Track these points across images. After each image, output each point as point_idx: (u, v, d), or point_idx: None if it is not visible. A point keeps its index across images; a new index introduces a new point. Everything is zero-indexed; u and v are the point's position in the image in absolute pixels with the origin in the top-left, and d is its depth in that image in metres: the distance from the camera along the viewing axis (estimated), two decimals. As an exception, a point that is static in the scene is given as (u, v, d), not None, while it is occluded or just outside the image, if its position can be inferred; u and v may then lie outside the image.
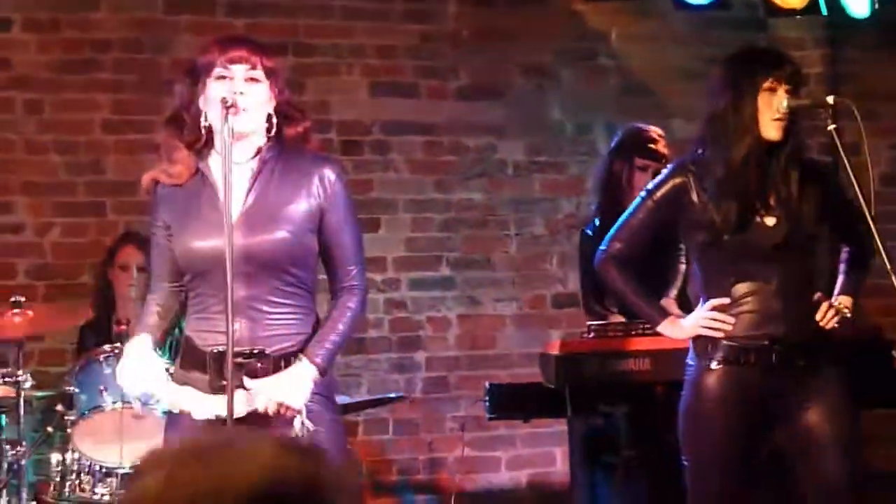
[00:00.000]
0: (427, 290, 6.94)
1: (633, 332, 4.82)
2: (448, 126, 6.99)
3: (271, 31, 6.51)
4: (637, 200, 4.26)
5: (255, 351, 3.59)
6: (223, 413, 3.47)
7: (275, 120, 3.66)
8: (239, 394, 3.50)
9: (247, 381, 3.53)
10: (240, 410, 3.51)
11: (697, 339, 4.12)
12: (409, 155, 6.95)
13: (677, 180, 4.16)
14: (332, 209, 3.68)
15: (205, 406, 3.57)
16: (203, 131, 3.63)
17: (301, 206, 3.65)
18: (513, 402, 5.42)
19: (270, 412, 3.53)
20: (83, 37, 6.56)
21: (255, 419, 3.53)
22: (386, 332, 6.85)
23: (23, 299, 5.18)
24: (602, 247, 4.28)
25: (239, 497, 1.57)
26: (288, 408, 3.54)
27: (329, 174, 3.69)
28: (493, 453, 6.91)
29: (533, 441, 6.88)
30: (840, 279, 4.28)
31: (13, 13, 6.48)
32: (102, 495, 5.19)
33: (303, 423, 3.56)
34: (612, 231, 4.29)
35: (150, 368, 3.62)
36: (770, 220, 4.08)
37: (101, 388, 5.15)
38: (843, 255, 4.30)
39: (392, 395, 6.04)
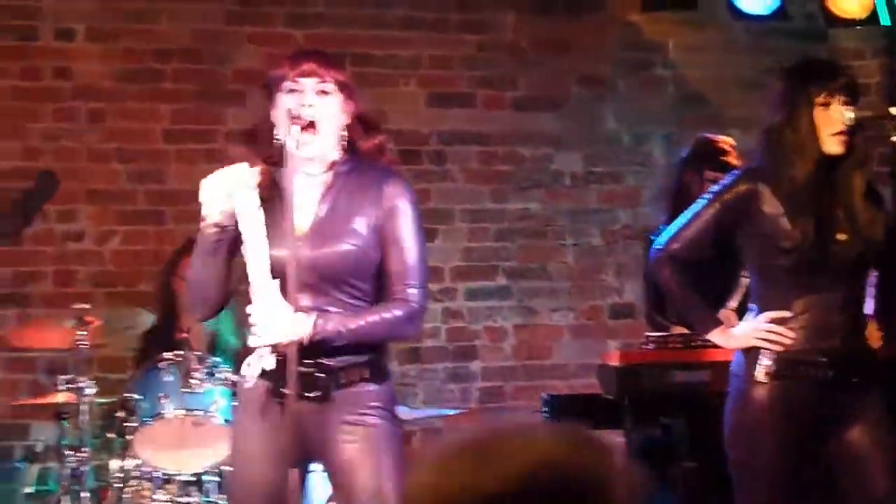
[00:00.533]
0: (483, 300, 6.95)
1: (693, 344, 4.79)
2: (504, 136, 7.00)
3: (330, 41, 6.53)
4: (702, 202, 4.20)
5: (316, 362, 3.61)
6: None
7: (346, 134, 3.67)
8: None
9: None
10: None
11: (748, 350, 4.08)
12: (465, 165, 6.97)
13: (747, 186, 4.08)
14: (391, 223, 3.67)
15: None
16: (278, 146, 3.65)
17: (366, 220, 3.65)
18: (571, 413, 5.39)
19: (267, 342, 3.53)
20: (145, 47, 6.64)
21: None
22: (442, 342, 6.86)
23: (87, 306, 5.22)
24: (659, 245, 4.21)
25: (518, 490, 1.54)
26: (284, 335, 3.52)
27: (393, 188, 3.68)
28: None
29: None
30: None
31: (77, 23, 6.57)
32: (162, 501, 5.21)
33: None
34: (670, 230, 4.23)
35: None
36: (842, 236, 4.03)
37: (163, 395, 5.17)
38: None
39: (450, 411, 6.03)
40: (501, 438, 1.61)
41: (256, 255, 3.56)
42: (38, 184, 4.62)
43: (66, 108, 6.54)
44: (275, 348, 3.54)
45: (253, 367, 3.60)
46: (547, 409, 5.38)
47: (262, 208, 3.59)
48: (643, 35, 7.15)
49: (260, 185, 3.65)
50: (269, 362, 3.56)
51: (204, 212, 3.61)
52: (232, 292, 3.77)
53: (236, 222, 3.61)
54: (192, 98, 6.66)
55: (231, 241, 3.65)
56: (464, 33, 6.97)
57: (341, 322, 3.57)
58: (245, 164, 3.58)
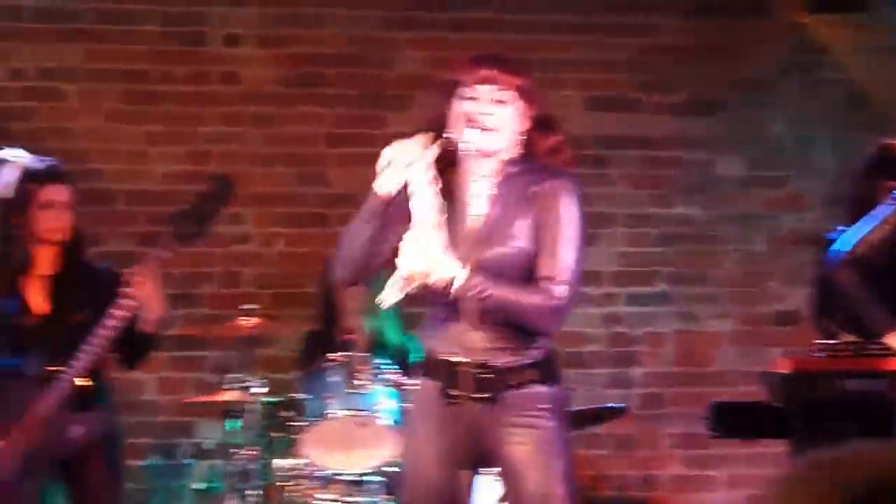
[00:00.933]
0: (643, 306, 6.90)
1: (866, 352, 4.69)
2: (666, 140, 6.94)
3: (490, 46, 6.50)
4: (889, 207, 4.10)
5: (483, 362, 3.61)
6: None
7: (522, 138, 3.66)
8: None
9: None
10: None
11: None
12: (625, 169, 6.93)
13: None
14: (546, 217, 3.62)
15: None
16: (452, 148, 3.65)
17: (529, 220, 3.63)
18: (737, 421, 5.32)
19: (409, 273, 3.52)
20: (309, 52, 6.73)
21: None
22: (603, 347, 6.82)
23: (255, 307, 5.30)
24: (841, 248, 4.14)
25: None
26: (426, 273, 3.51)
27: (555, 185, 3.64)
28: (709, 472, 6.82)
29: (751, 461, 6.76)
30: None
31: (243, 30, 6.70)
32: (327, 501, 5.26)
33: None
34: (854, 233, 4.15)
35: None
36: None
37: (329, 395, 5.23)
38: None
39: (613, 405, 5.99)
40: (843, 461, 1.60)
41: (425, 223, 3.54)
42: (214, 188, 4.68)
43: (233, 113, 6.67)
44: (410, 280, 3.52)
45: (387, 294, 3.59)
46: (712, 415, 5.30)
47: (436, 184, 3.59)
48: (808, 37, 7.03)
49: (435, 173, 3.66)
50: (396, 292, 3.54)
51: (378, 180, 3.59)
52: (378, 266, 3.73)
53: (404, 196, 3.60)
54: (355, 102, 6.73)
55: (393, 212, 3.63)
56: (625, 36, 6.92)
57: (489, 283, 3.52)
58: (427, 136, 3.58)
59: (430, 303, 3.73)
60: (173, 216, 4.62)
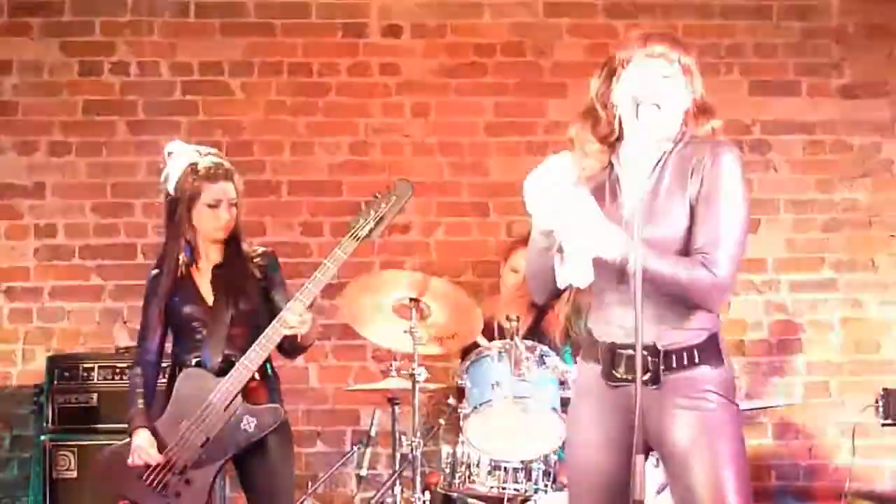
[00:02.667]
0: (808, 293, 6.82)
1: None
2: (831, 125, 6.85)
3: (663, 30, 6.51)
4: None
5: (648, 345, 3.59)
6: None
7: (684, 118, 3.65)
8: None
9: None
10: None
11: None
12: (789, 154, 6.85)
13: None
14: (708, 189, 3.53)
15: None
16: (616, 126, 3.65)
17: (689, 196, 3.58)
18: (909, 410, 5.26)
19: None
20: (468, 41, 6.78)
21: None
22: (765, 335, 6.77)
23: (415, 296, 5.34)
24: None
25: None
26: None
27: (719, 153, 3.54)
28: (878, 462, 6.72)
29: (923, 452, 6.68)
30: None
31: (403, 20, 6.78)
32: (491, 487, 5.25)
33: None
34: None
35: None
36: None
37: (493, 382, 5.22)
38: None
39: (781, 403, 5.95)
40: None
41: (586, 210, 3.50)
42: (395, 191, 4.77)
43: (393, 104, 6.76)
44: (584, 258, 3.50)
45: (563, 276, 3.61)
46: (883, 403, 5.25)
47: (591, 193, 3.55)
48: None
49: (593, 168, 3.67)
50: (582, 274, 3.53)
51: (534, 217, 3.55)
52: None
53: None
54: (514, 91, 6.77)
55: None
56: (787, 20, 6.85)
57: (651, 255, 3.44)
58: (564, 155, 3.58)
59: (594, 285, 3.73)
60: (356, 217, 4.71)
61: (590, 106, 3.70)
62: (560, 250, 3.61)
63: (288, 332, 4.62)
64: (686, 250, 3.54)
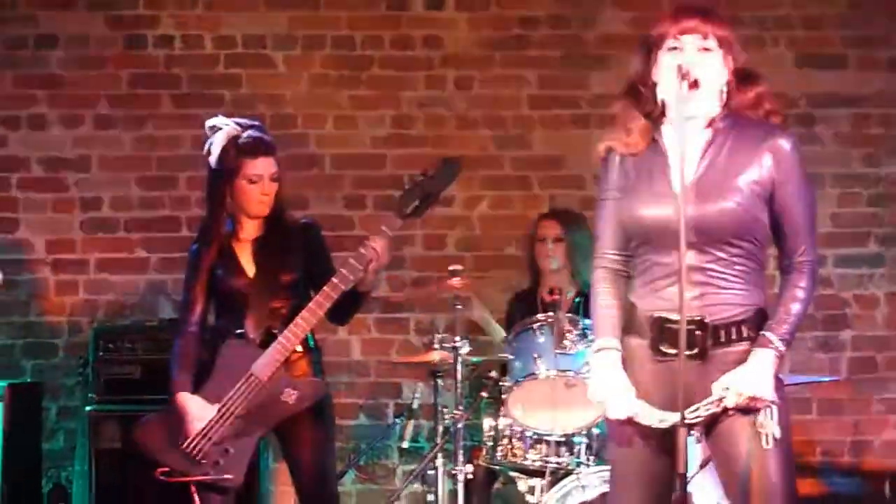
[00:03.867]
0: (854, 268, 6.78)
1: None
2: (878, 98, 6.80)
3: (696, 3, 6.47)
4: None
5: (696, 319, 3.60)
6: (674, 421, 3.48)
7: (726, 90, 3.64)
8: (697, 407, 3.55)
9: (716, 385, 3.54)
10: (699, 414, 3.55)
11: None
12: (836, 128, 6.80)
13: None
14: (784, 182, 3.60)
15: (657, 416, 3.59)
16: (658, 102, 3.65)
17: (752, 177, 3.60)
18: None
19: (740, 405, 3.54)
20: (512, 13, 6.77)
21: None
22: (811, 310, 6.69)
23: (460, 268, 5.34)
24: None
25: None
26: (759, 399, 3.53)
27: (784, 145, 3.60)
28: (924, 437, 6.70)
29: (966, 427, 6.63)
30: None
31: (447, -8, 6.78)
32: (534, 461, 5.25)
33: (770, 414, 3.54)
34: None
35: (616, 382, 3.63)
36: None
37: (535, 355, 5.21)
38: None
39: (825, 378, 5.91)
40: None
41: None
42: (443, 168, 4.76)
43: (436, 77, 6.76)
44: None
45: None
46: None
47: (637, 169, 3.64)
48: None
49: (639, 144, 3.68)
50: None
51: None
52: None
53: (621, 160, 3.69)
54: (557, 64, 6.75)
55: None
56: (835, -9, 6.82)
57: (779, 330, 3.57)
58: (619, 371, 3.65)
59: (640, 259, 3.73)
60: (402, 195, 4.70)
61: (631, 83, 3.71)
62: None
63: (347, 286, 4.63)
64: (741, 227, 3.57)
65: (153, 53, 6.72)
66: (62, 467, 6.42)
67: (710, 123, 3.65)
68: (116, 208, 6.71)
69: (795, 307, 3.61)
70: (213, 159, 4.77)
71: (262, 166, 4.75)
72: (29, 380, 6.53)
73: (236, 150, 4.74)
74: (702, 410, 3.57)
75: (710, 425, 3.65)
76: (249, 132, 4.79)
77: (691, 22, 3.60)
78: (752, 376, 3.54)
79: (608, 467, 3.88)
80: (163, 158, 6.70)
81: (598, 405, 3.71)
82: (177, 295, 5.21)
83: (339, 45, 6.74)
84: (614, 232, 3.77)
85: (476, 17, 6.75)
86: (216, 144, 4.76)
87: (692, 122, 3.60)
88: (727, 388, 3.54)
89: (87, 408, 5.82)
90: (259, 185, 4.75)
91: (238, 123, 4.82)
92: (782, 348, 3.56)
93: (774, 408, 3.56)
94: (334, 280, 4.63)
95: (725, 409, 3.57)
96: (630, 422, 3.65)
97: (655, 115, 3.67)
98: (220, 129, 4.79)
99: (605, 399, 3.66)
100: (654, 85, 3.64)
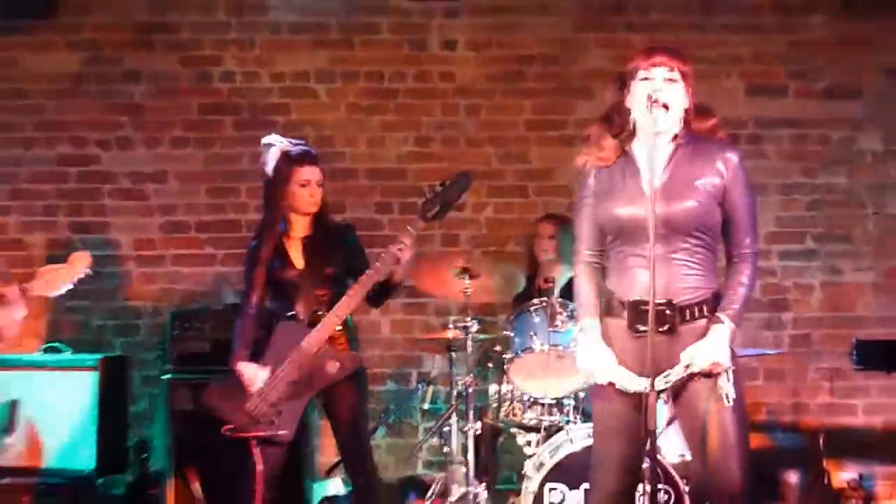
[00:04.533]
0: (793, 261, 6.75)
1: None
2: (814, 121, 6.77)
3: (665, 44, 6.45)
4: None
5: (666, 300, 3.60)
6: (651, 387, 3.49)
7: (686, 116, 3.66)
8: (669, 373, 3.56)
9: (683, 354, 3.56)
10: (670, 380, 3.58)
11: None
12: (778, 146, 6.78)
13: None
14: (733, 187, 3.65)
15: (636, 382, 3.59)
16: (630, 125, 3.67)
17: (708, 182, 3.63)
18: (879, 357, 5.19)
19: (704, 370, 3.54)
20: (511, 53, 6.75)
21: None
22: (758, 295, 6.68)
23: (468, 266, 5.33)
24: None
25: None
26: (718, 364, 3.54)
27: (732, 157, 3.67)
28: (850, 401, 6.66)
29: (887, 392, 6.59)
30: None
31: (458, 36, 6.76)
32: (530, 419, 5.26)
33: (728, 377, 3.54)
34: None
35: (600, 354, 3.66)
36: None
37: (532, 333, 5.21)
38: None
39: (770, 351, 5.89)
40: None
41: None
42: (458, 180, 4.75)
43: (449, 105, 6.74)
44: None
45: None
46: (857, 352, 5.19)
47: (611, 178, 3.67)
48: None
49: (610, 158, 3.70)
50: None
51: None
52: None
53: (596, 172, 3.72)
54: (549, 94, 6.73)
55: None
56: (777, 33, 6.76)
57: (731, 308, 3.60)
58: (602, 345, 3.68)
59: (615, 252, 3.72)
60: (424, 201, 4.70)
61: (608, 112, 3.75)
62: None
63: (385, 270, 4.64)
64: (701, 223, 3.61)
65: (218, 86, 6.73)
66: (144, 426, 6.43)
67: (674, 139, 3.68)
68: (188, 213, 6.72)
69: (742, 290, 3.64)
70: (268, 169, 4.78)
71: (310, 173, 4.76)
72: (118, 354, 6.54)
73: (288, 161, 4.75)
74: (672, 376, 3.58)
75: (676, 390, 3.66)
76: (298, 146, 4.81)
77: (660, 57, 3.64)
78: (712, 347, 3.55)
79: (592, 424, 3.87)
80: (226, 172, 6.70)
81: (584, 373, 3.71)
82: (238, 284, 5.22)
83: (371, 79, 6.73)
84: (590, 232, 3.79)
85: (482, 56, 6.74)
86: (271, 157, 4.78)
87: (659, 138, 3.62)
88: (693, 357, 3.55)
89: (165, 377, 5.83)
90: (308, 188, 4.76)
91: (289, 141, 4.83)
92: (734, 324, 3.58)
93: (731, 372, 3.57)
94: (369, 272, 4.65)
95: (691, 375, 3.58)
96: (611, 386, 3.66)
97: (624, 136, 3.70)
98: (274, 145, 4.80)
99: (591, 368, 3.67)
100: (628, 111, 3.67)
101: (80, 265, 4.20)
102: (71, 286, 4.20)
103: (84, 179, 6.69)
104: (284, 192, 4.75)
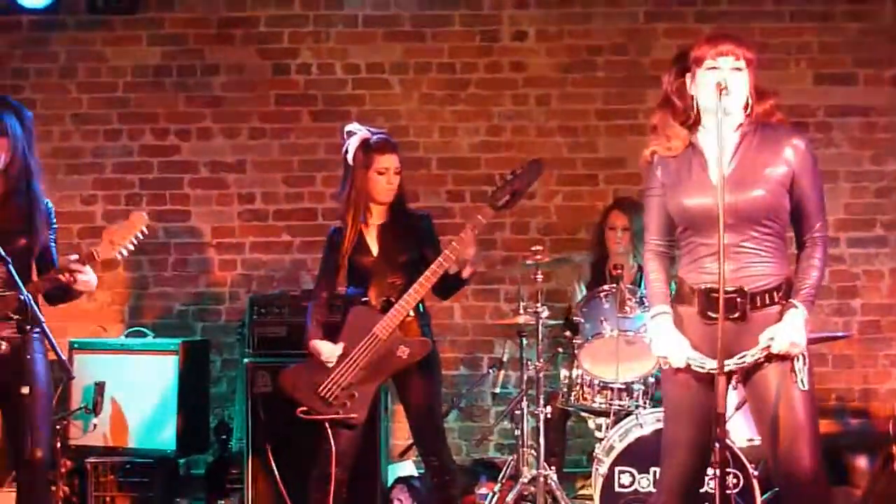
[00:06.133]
0: (863, 248, 6.65)
1: None
2: (884, 109, 6.64)
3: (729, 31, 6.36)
4: None
5: (737, 288, 3.55)
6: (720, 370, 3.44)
7: (751, 100, 3.60)
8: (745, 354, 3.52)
9: (762, 336, 3.51)
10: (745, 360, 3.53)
11: None
12: (848, 133, 6.66)
13: None
14: (802, 173, 3.59)
15: (712, 363, 3.55)
16: (694, 112, 3.62)
17: (776, 170, 3.58)
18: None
19: (782, 352, 3.49)
20: (581, 43, 6.70)
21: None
22: (827, 283, 6.58)
23: (541, 248, 5.30)
24: None
25: None
26: (796, 345, 3.49)
27: (800, 144, 3.61)
28: (920, 387, 6.56)
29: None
30: None
31: (529, 27, 6.71)
32: (600, 404, 5.25)
33: (804, 360, 3.50)
34: None
35: (675, 340, 3.62)
36: None
37: (602, 318, 5.19)
38: None
39: (840, 334, 5.79)
40: None
41: None
42: (529, 168, 4.70)
43: (520, 95, 6.71)
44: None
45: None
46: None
47: (678, 168, 3.61)
48: None
49: (678, 147, 3.64)
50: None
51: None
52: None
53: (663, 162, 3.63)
54: (619, 83, 6.67)
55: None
56: (848, 22, 6.64)
57: (804, 292, 3.55)
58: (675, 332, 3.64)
59: (683, 235, 3.69)
60: (494, 189, 4.64)
61: (665, 97, 3.71)
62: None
63: (449, 266, 4.59)
64: (771, 211, 3.56)
65: (295, 78, 6.75)
66: (225, 407, 6.49)
67: (739, 128, 3.62)
68: (266, 202, 6.76)
69: (814, 274, 3.59)
70: (349, 157, 4.76)
71: (389, 161, 4.75)
72: (199, 338, 6.61)
73: (368, 149, 4.73)
74: (748, 357, 3.54)
75: (747, 374, 3.61)
76: (378, 135, 4.80)
77: (727, 45, 3.58)
78: (789, 329, 3.51)
79: (662, 409, 3.83)
80: (303, 161, 6.73)
81: (660, 360, 3.67)
82: (315, 270, 5.23)
83: (443, 70, 6.71)
84: (658, 223, 3.75)
85: (552, 47, 6.69)
86: (352, 145, 4.76)
87: (725, 126, 3.56)
88: (772, 339, 3.50)
89: (244, 360, 5.87)
90: (386, 175, 4.75)
91: (369, 130, 4.83)
92: (808, 309, 3.52)
93: (806, 355, 3.52)
94: (439, 259, 4.62)
95: (767, 357, 3.53)
96: (685, 370, 3.61)
97: (690, 122, 3.64)
98: (355, 132, 4.79)
99: (667, 353, 3.63)
100: (691, 97, 3.61)
101: (138, 224, 4.26)
102: (132, 245, 4.25)
103: (166, 169, 6.76)
104: (363, 180, 4.74)
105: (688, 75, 3.65)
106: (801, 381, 3.51)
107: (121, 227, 4.26)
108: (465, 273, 4.66)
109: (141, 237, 4.28)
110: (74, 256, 4.23)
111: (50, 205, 4.39)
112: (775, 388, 3.55)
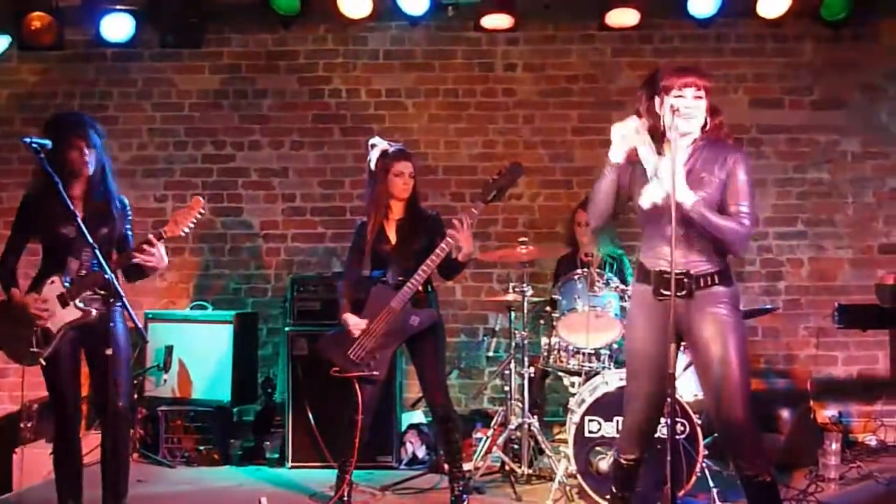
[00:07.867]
0: (787, 240, 6.62)
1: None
2: (804, 128, 6.61)
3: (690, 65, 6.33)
4: None
5: (685, 271, 3.55)
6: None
7: (708, 120, 3.59)
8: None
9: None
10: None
11: None
12: (775, 147, 6.63)
13: None
14: (735, 169, 3.56)
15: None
16: (662, 127, 3.60)
17: (717, 176, 3.57)
18: (856, 317, 5.07)
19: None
20: (560, 74, 6.67)
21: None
22: (757, 268, 6.60)
23: (526, 240, 5.30)
24: None
25: None
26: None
27: (737, 153, 3.61)
28: (832, 353, 6.51)
29: (862, 346, 6.43)
30: None
31: (518, 60, 6.68)
32: (574, 365, 5.23)
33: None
34: None
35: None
36: None
37: (575, 296, 5.18)
38: None
39: (768, 306, 5.77)
40: None
41: (652, 165, 3.50)
42: (511, 169, 4.67)
43: (510, 115, 6.69)
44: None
45: (647, 195, 3.56)
46: (838, 314, 5.07)
47: (642, 171, 3.55)
48: (906, 55, 6.56)
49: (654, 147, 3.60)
50: (655, 194, 3.53)
51: (611, 151, 3.55)
52: (614, 213, 3.71)
53: (629, 163, 3.56)
54: (591, 106, 6.64)
55: (620, 175, 3.61)
56: (776, 56, 6.61)
57: (702, 206, 3.48)
58: (635, 118, 3.53)
59: (644, 228, 3.67)
60: (484, 186, 4.62)
61: (637, 111, 3.68)
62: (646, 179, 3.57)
63: (450, 249, 4.56)
64: (714, 207, 3.52)
65: (328, 101, 6.74)
66: (270, 367, 6.50)
67: (694, 142, 3.61)
68: (305, 201, 6.75)
69: (720, 220, 3.52)
70: (372, 164, 4.77)
71: (403, 166, 4.74)
72: (249, 310, 6.61)
73: (387, 157, 4.74)
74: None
75: (693, 337, 3.59)
76: (395, 146, 4.80)
77: (690, 78, 3.56)
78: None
79: (624, 370, 3.83)
80: (334, 169, 6.72)
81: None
82: (344, 256, 5.21)
83: (448, 95, 6.69)
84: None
85: (537, 76, 6.67)
86: (375, 154, 4.76)
87: (683, 140, 3.56)
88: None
89: (286, 329, 5.88)
90: (402, 178, 4.74)
91: (388, 142, 4.82)
92: (696, 205, 3.49)
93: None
94: (442, 245, 4.59)
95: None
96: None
97: (657, 139, 3.63)
98: (377, 145, 4.80)
99: (618, 132, 3.54)
100: (658, 116, 3.60)
101: (196, 206, 4.25)
102: (192, 224, 4.24)
103: (223, 174, 6.75)
104: (384, 182, 4.73)
105: (657, 98, 3.63)
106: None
107: (183, 210, 4.26)
108: (461, 257, 4.65)
109: (200, 217, 4.26)
110: (148, 236, 4.24)
111: (125, 200, 4.40)
112: (714, 353, 3.55)
